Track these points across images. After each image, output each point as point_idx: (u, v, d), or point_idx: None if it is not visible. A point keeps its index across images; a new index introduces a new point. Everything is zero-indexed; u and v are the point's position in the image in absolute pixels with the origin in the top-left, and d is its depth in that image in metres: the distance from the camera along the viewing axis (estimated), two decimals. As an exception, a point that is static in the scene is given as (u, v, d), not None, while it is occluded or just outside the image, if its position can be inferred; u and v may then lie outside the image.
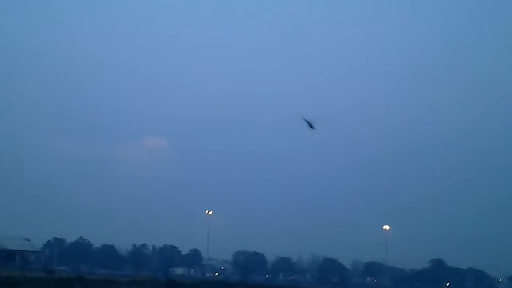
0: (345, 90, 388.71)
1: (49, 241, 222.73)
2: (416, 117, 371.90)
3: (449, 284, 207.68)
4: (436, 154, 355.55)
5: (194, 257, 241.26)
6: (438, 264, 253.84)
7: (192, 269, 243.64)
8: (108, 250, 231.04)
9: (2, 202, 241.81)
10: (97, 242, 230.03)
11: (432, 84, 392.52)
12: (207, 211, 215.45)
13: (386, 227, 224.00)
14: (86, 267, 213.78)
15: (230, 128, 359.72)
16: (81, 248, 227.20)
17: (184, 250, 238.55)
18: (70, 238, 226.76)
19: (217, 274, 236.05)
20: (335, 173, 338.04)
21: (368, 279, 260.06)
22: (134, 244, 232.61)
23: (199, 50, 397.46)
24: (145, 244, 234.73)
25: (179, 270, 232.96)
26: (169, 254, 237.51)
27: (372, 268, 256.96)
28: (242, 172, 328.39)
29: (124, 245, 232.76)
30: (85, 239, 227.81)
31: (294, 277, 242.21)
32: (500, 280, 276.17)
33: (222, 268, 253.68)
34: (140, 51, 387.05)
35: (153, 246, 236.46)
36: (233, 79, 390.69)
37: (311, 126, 79.94)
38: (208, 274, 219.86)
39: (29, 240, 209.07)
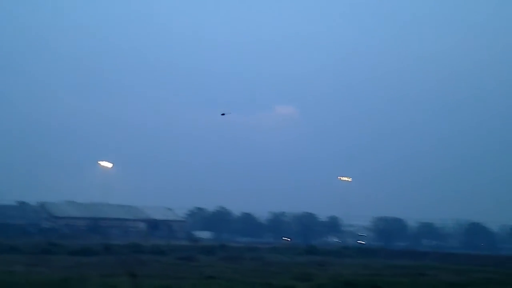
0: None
1: (191, 210, 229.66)
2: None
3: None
4: None
5: (333, 224, 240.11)
6: None
7: (331, 236, 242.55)
8: (248, 218, 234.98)
9: (147, 174, 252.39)
10: (236, 210, 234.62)
11: None
12: (342, 177, 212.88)
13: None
14: (227, 236, 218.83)
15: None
16: (221, 217, 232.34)
17: (322, 217, 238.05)
18: (211, 207, 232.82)
19: (359, 241, 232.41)
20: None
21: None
22: (273, 212, 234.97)
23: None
24: (283, 212, 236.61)
25: (318, 237, 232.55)
26: (307, 221, 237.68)
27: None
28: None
29: (262, 213, 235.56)
30: (225, 208, 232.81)
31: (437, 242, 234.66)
32: None
33: (362, 234, 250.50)
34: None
35: (292, 214, 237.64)
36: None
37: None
38: (348, 241, 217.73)
39: (172, 210, 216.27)
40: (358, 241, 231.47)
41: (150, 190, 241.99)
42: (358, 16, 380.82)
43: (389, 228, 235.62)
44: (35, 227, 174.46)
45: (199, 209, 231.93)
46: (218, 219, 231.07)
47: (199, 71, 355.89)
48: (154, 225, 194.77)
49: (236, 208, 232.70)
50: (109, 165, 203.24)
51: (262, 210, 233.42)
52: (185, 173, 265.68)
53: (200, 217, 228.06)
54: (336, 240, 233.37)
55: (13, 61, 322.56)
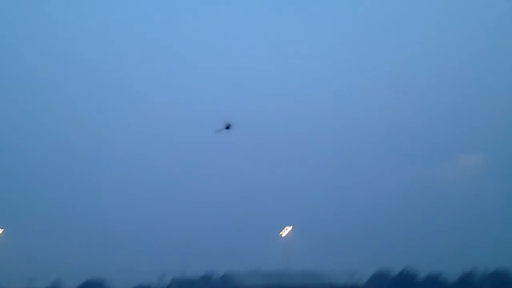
0: None
1: (376, 273, 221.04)
2: None
3: None
4: None
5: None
6: None
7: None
8: (434, 280, 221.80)
9: (326, 236, 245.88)
10: (422, 271, 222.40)
11: None
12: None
13: None
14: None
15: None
16: (406, 278, 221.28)
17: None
18: (397, 268, 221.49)
19: None
20: None
21: None
22: (463, 271, 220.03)
23: None
24: (474, 267, 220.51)
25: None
26: (498, 281, 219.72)
27: None
28: None
29: (452, 271, 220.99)
30: (411, 268, 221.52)
31: None
32: None
33: None
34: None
35: (483, 272, 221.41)
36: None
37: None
38: None
39: (355, 273, 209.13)
40: None
41: (329, 253, 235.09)
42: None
43: None
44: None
45: (383, 271, 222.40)
46: (403, 281, 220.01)
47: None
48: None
49: (424, 267, 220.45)
50: (290, 228, 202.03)
51: (451, 269, 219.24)
52: (364, 234, 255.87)
53: (384, 280, 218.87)
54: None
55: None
